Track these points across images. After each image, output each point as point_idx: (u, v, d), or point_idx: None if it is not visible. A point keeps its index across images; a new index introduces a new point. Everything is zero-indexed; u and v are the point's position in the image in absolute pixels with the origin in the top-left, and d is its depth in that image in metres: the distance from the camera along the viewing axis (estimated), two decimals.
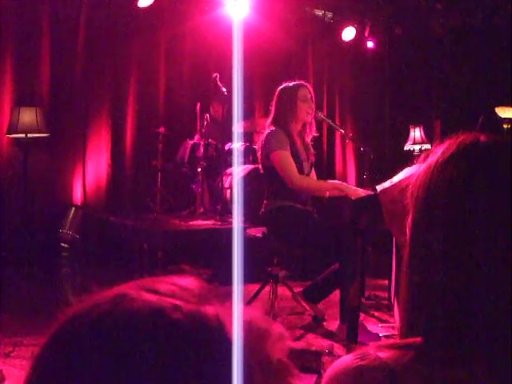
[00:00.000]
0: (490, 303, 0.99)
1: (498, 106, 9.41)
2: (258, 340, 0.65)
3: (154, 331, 0.60)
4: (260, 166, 4.99)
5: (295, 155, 4.76)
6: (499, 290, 0.99)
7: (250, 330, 0.65)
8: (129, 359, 0.58)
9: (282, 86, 4.97)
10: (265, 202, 4.91)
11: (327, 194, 4.78)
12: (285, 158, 4.70)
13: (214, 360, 0.60)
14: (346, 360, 1.05)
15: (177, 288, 0.65)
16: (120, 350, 0.59)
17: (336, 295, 4.92)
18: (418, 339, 1.02)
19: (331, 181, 5.00)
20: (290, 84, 4.96)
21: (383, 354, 1.01)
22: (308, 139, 4.99)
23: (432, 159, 1.10)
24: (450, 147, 1.09)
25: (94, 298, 0.64)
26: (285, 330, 0.70)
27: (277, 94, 4.95)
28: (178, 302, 0.62)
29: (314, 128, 5.00)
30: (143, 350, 0.58)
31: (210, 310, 0.63)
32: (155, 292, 0.63)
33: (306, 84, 4.97)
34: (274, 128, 4.81)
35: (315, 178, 5.10)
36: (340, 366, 1.05)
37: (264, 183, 5.04)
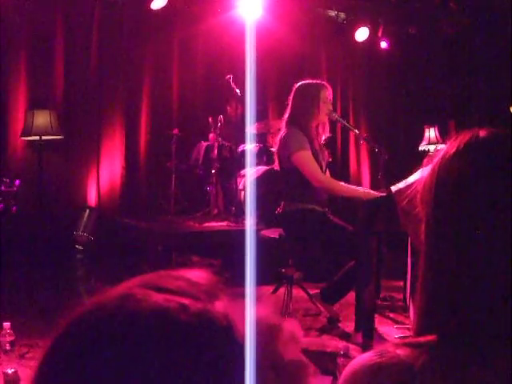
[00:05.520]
0: (505, 302, 0.98)
1: None
2: (268, 339, 0.64)
3: (159, 333, 0.58)
4: (277, 167, 4.94)
5: (314, 154, 4.73)
6: None
7: (260, 328, 0.63)
8: (134, 362, 0.57)
9: (301, 84, 4.91)
10: (283, 202, 4.88)
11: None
12: (308, 159, 4.66)
13: (222, 361, 0.59)
14: (365, 357, 1.04)
15: (184, 283, 0.64)
16: (125, 353, 0.57)
17: (350, 296, 4.90)
18: (433, 337, 1.01)
19: (354, 186, 5.00)
20: (311, 82, 4.92)
21: (402, 352, 1.00)
22: (321, 139, 4.95)
23: (435, 161, 1.10)
24: (450, 147, 1.09)
25: (98, 297, 0.63)
26: (298, 327, 0.69)
27: (296, 90, 4.89)
28: (185, 301, 0.60)
29: (328, 128, 4.97)
30: (149, 353, 0.57)
31: (218, 307, 0.61)
32: (161, 290, 0.62)
33: (327, 85, 4.92)
34: (291, 128, 4.77)
35: (330, 177, 5.07)
36: (359, 363, 1.04)
37: (282, 184, 5.00)
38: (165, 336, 0.58)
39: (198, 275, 0.66)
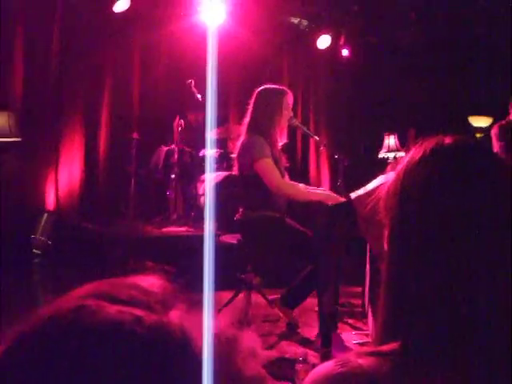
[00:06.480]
0: (470, 308, 0.98)
1: (472, 115, 9.50)
2: (227, 353, 0.63)
3: (113, 347, 0.57)
4: (237, 174, 4.93)
5: (275, 161, 4.72)
6: (480, 295, 0.98)
7: (218, 342, 0.62)
8: (89, 377, 0.56)
9: (263, 88, 4.88)
10: (241, 209, 4.87)
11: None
12: (269, 166, 4.64)
13: (178, 376, 0.58)
14: (327, 367, 1.02)
15: (138, 292, 0.62)
16: (80, 367, 0.56)
17: (309, 302, 4.91)
18: (396, 346, 1.01)
19: (314, 189, 5.01)
20: (273, 87, 4.90)
21: (364, 362, 1.00)
22: (279, 145, 4.93)
23: (400, 167, 1.10)
24: (416, 153, 1.09)
25: (51, 308, 0.61)
26: (257, 340, 0.68)
27: (258, 95, 4.85)
28: (139, 313, 0.59)
29: (286, 134, 4.96)
30: (103, 367, 0.56)
31: (174, 319, 0.60)
32: (115, 300, 0.60)
33: (288, 91, 4.91)
34: (252, 135, 4.74)
35: (289, 181, 5.07)
36: (320, 373, 1.03)
37: (242, 191, 4.98)
38: (120, 350, 0.57)
39: (151, 283, 0.65)
